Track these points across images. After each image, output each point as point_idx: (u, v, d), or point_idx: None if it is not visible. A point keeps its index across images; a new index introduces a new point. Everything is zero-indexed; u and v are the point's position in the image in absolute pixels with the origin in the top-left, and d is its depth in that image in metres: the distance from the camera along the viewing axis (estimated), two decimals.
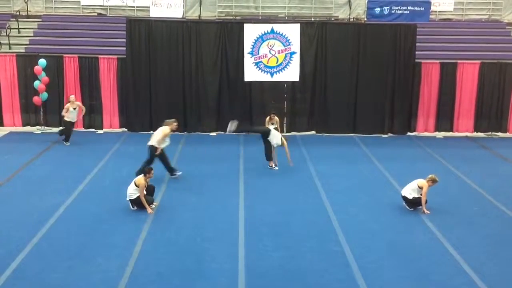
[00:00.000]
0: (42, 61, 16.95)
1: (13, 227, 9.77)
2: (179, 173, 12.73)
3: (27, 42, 19.07)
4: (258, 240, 9.37)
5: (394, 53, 17.68)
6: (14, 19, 20.04)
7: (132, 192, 10.52)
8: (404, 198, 10.97)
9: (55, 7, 21.45)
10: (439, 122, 18.43)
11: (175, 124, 12.66)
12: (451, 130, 18.44)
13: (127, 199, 10.63)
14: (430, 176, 10.87)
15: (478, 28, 21.10)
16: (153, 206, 10.76)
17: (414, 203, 10.88)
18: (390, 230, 10.03)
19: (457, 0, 21.85)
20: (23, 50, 18.46)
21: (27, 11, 20.98)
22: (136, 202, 10.55)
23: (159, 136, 12.29)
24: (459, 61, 18.24)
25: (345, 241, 9.42)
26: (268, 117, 15.74)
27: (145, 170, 10.61)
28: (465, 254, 8.99)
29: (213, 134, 17.74)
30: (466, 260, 8.76)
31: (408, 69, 17.77)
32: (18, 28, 19.68)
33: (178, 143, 16.17)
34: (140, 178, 10.48)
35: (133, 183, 10.56)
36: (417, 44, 17.81)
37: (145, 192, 10.60)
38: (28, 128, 17.80)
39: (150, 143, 12.37)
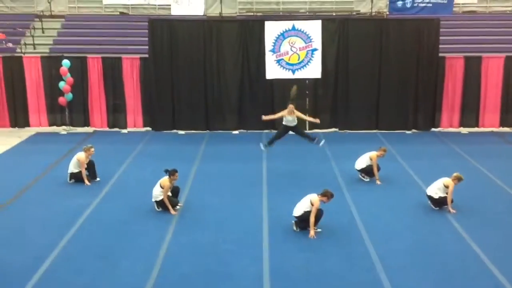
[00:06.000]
0: (66, 62, 17.13)
1: (41, 229, 9.96)
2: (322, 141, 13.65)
3: (51, 42, 19.34)
4: (282, 241, 9.40)
5: (417, 48, 17.43)
6: (38, 19, 20.35)
7: (158, 193, 10.61)
8: (430, 197, 10.88)
9: (78, 7, 21.73)
10: (464, 117, 18.14)
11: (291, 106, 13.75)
12: (476, 125, 18.14)
13: (153, 200, 10.74)
14: (455, 174, 10.78)
15: (502, 20, 20.72)
16: (178, 207, 10.84)
17: (440, 203, 10.78)
18: (415, 230, 9.96)
19: None
20: (47, 50, 18.72)
21: (51, 11, 21.27)
22: (162, 203, 10.64)
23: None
24: (483, 54, 17.95)
25: (369, 241, 9.39)
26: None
27: (169, 171, 10.66)
28: (492, 255, 8.87)
29: (235, 132, 17.77)
30: (493, 261, 8.66)
31: (432, 64, 17.51)
32: (42, 28, 19.98)
33: (200, 142, 16.27)
34: (165, 180, 10.56)
35: (158, 184, 10.65)
36: (441, 38, 17.54)
37: (169, 193, 10.70)
38: (54, 128, 18.06)
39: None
